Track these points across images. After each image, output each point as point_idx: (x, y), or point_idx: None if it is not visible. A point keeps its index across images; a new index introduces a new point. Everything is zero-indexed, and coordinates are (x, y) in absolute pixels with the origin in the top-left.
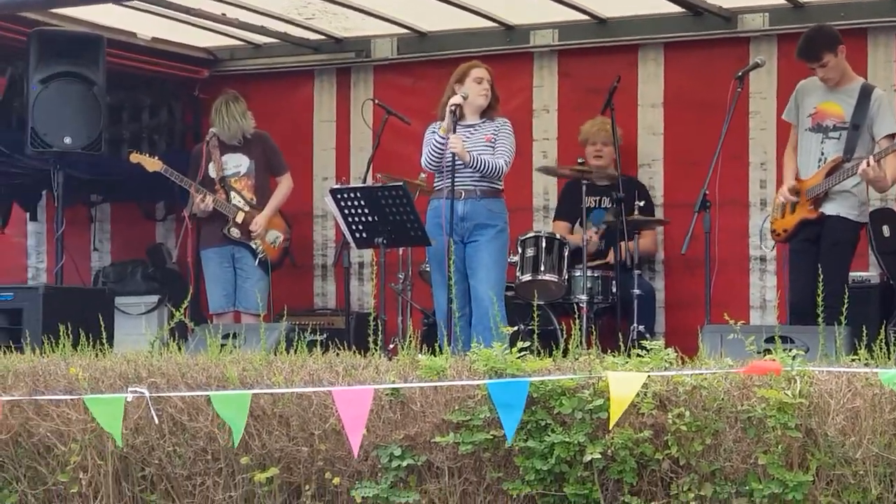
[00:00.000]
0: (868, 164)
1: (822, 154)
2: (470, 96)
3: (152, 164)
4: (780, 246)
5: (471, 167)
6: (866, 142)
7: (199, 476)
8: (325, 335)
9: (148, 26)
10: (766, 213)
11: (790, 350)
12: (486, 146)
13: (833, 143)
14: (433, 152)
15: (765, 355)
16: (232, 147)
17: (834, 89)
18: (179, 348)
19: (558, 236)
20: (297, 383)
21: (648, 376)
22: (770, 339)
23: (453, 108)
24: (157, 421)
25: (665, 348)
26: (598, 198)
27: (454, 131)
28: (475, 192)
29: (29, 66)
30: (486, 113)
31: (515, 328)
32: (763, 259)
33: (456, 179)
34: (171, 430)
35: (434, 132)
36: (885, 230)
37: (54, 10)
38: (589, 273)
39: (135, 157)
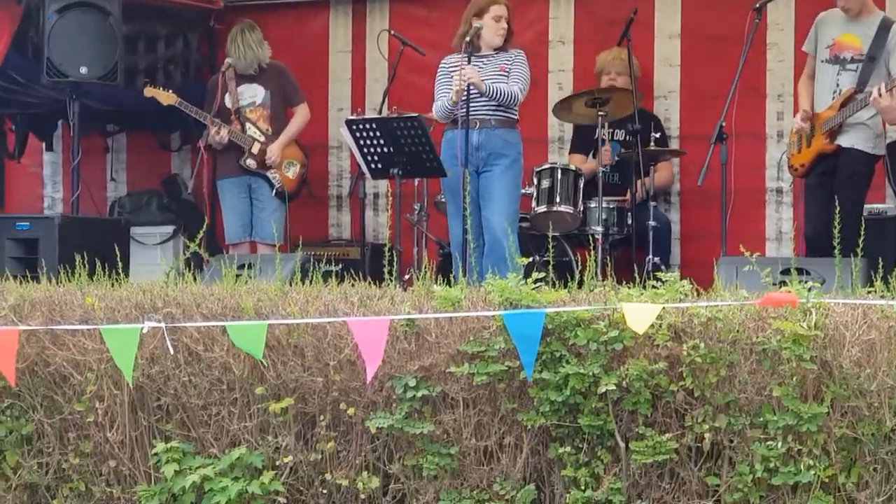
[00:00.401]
0: (879, 93)
1: (838, 86)
2: (488, 34)
3: (166, 97)
4: (795, 180)
5: (486, 96)
6: (882, 75)
7: (214, 406)
8: (340, 266)
9: None
10: (784, 145)
11: (806, 282)
12: (500, 75)
13: (849, 74)
14: (444, 111)
15: (780, 287)
16: (248, 77)
17: (854, 20)
18: (195, 278)
19: (573, 167)
20: (313, 314)
21: (664, 308)
22: (786, 271)
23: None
24: (172, 352)
25: (680, 280)
26: (612, 130)
27: (468, 62)
28: (490, 122)
29: None
30: (501, 46)
31: (530, 259)
32: (780, 191)
33: (471, 108)
34: (187, 360)
35: (444, 85)
36: None
37: None
38: (605, 204)
39: (149, 91)
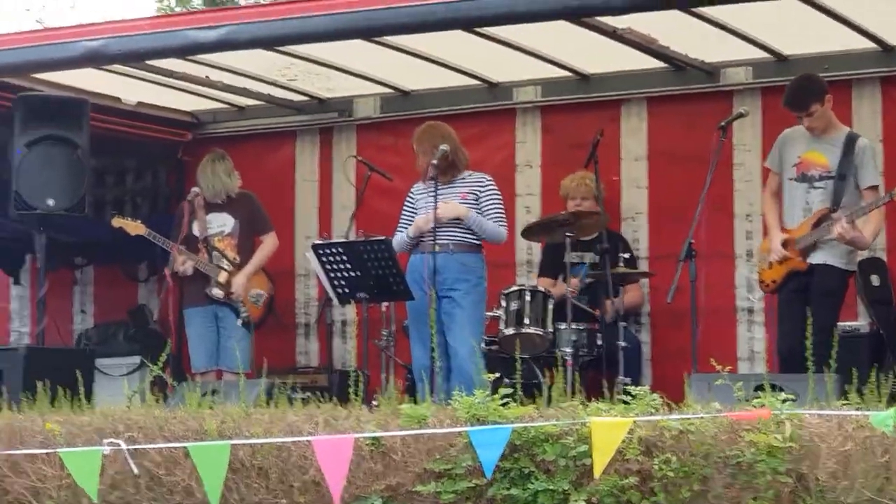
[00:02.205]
0: (842, 228)
1: (808, 204)
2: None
3: (135, 227)
4: (767, 296)
5: (473, 226)
6: (852, 192)
7: None
8: (307, 393)
9: (132, 90)
10: (752, 264)
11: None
12: (467, 202)
13: (819, 192)
14: (401, 244)
15: (752, 402)
16: (217, 206)
17: (819, 138)
18: (158, 403)
19: (542, 289)
20: (277, 434)
21: (634, 421)
22: (759, 387)
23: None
24: (135, 471)
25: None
26: (580, 253)
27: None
28: (448, 247)
29: (14, 131)
30: (454, 170)
31: (497, 375)
32: (751, 311)
33: (431, 236)
34: (148, 485)
35: (407, 216)
36: (875, 279)
37: (38, 76)
38: (574, 326)
39: (117, 222)
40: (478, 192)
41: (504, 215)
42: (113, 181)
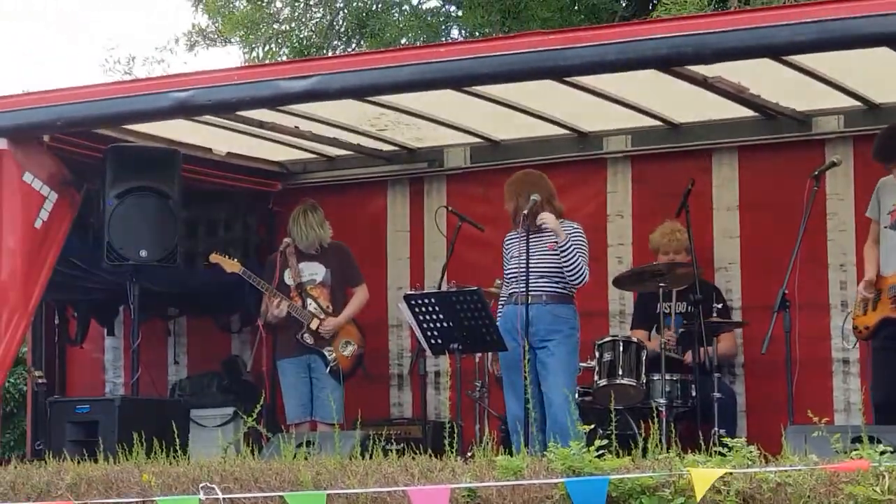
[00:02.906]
0: None
1: None
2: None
3: (231, 265)
4: (862, 344)
5: (561, 247)
6: None
7: None
8: (401, 445)
9: (222, 141)
10: (847, 314)
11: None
12: (550, 253)
13: None
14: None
15: (850, 454)
16: (309, 256)
17: None
18: (253, 455)
19: (635, 339)
20: (372, 485)
21: (731, 473)
22: (856, 439)
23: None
24: None
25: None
26: (673, 303)
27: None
28: (541, 298)
29: (105, 182)
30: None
31: (592, 426)
32: (846, 361)
33: (523, 286)
34: None
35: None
36: None
37: (129, 127)
38: (668, 377)
39: (214, 258)
40: (564, 243)
41: (586, 258)
42: (204, 231)
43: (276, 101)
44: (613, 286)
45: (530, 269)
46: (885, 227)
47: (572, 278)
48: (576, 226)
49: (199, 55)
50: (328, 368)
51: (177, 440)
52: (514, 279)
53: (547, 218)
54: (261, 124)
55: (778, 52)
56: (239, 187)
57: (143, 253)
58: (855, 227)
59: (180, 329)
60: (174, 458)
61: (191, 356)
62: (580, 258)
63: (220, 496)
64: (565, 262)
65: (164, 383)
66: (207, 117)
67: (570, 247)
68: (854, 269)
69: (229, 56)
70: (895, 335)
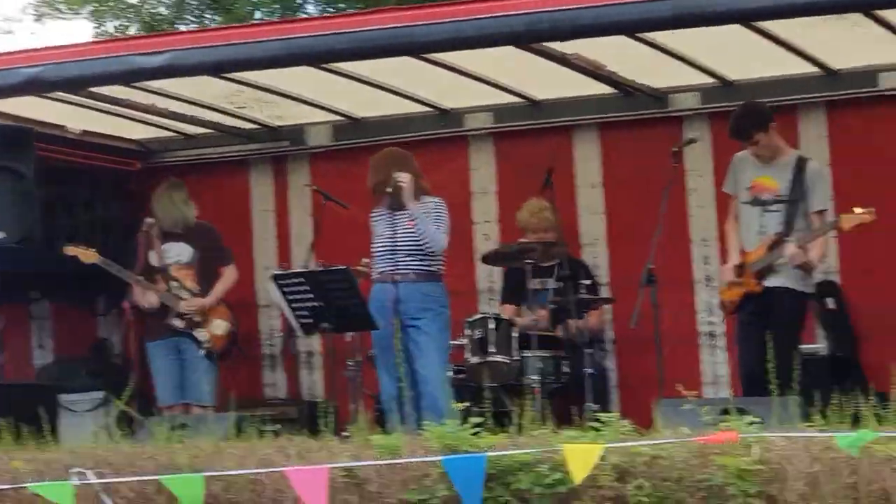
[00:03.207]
0: (793, 252)
1: (763, 227)
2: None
3: (87, 255)
4: (729, 319)
5: (412, 219)
6: (804, 216)
7: None
8: (277, 425)
9: (77, 119)
10: (712, 288)
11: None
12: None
13: (773, 215)
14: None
15: (719, 426)
16: (174, 236)
17: (769, 163)
18: (125, 439)
19: (505, 317)
20: (250, 467)
21: (605, 448)
22: (725, 411)
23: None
24: (109, 503)
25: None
26: (542, 279)
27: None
28: (409, 276)
29: None
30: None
31: (467, 404)
32: (713, 335)
33: (391, 265)
34: None
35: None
36: (830, 302)
37: None
38: (540, 353)
39: (70, 250)
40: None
41: (444, 227)
42: (63, 212)
43: (131, 78)
44: (482, 262)
45: (398, 248)
46: (744, 203)
47: (426, 246)
48: (437, 200)
49: (47, 26)
50: (202, 351)
51: (46, 425)
52: (381, 257)
53: (402, 177)
54: (117, 101)
55: (631, 29)
56: (97, 166)
57: (1, 235)
58: (715, 202)
59: (44, 313)
60: (45, 443)
61: (56, 340)
62: (430, 226)
63: (94, 481)
64: (417, 230)
65: (31, 368)
66: (60, 94)
67: (420, 215)
68: (716, 244)
69: (81, 31)
70: (758, 309)
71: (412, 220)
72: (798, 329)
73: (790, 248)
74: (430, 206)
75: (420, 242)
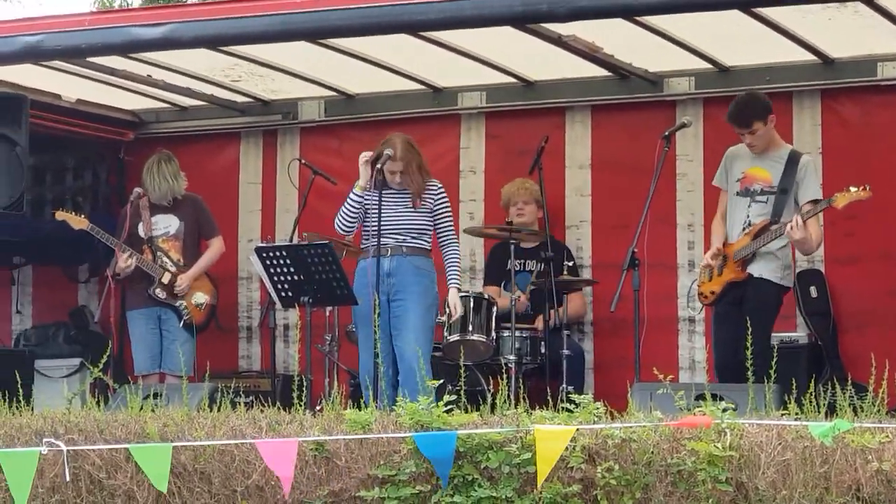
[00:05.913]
0: (794, 225)
1: (748, 218)
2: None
3: (78, 221)
4: (708, 308)
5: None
6: (792, 206)
7: None
8: (250, 397)
9: (72, 88)
10: (695, 275)
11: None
12: (414, 210)
13: (759, 206)
14: (349, 211)
15: (693, 411)
16: (162, 207)
17: (761, 155)
18: (99, 406)
19: (486, 296)
20: (220, 438)
21: (577, 430)
22: (700, 397)
23: (369, 161)
24: (68, 478)
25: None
26: (524, 260)
27: (374, 188)
28: (401, 249)
29: None
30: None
31: (441, 381)
32: (692, 320)
33: (382, 235)
34: (89, 489)
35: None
36: (813, 291)
37: None
38: (517, 333)
39: (60, 215)
40: (431, 201)
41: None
42: (52, 179)
43: (129, 49)
44: (465, 233)
45: (393, 225)
46: (735, 194)
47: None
48: (439, 185)
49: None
50: (182, 322)
51: (20, 390)
52: (372, 233)
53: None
54: (112, 71)
55: (632, 12)
56: (89, 135)
57: None
58: (703, 188)
59: (25, 278)
60: (17, 409)
61: (36, 306)
62: (458, 262)
63: (64, 448)
64: (445, 239)
65: (8, 333)
66: (57, 63)
67: (446, 223)
68: (702, 230)
69: (84, 4)
70: (737, 299)
71: (442, 229)
72: (770, 318)
73: (792, 220)
74: (438, 201)
75: (419, 224)
